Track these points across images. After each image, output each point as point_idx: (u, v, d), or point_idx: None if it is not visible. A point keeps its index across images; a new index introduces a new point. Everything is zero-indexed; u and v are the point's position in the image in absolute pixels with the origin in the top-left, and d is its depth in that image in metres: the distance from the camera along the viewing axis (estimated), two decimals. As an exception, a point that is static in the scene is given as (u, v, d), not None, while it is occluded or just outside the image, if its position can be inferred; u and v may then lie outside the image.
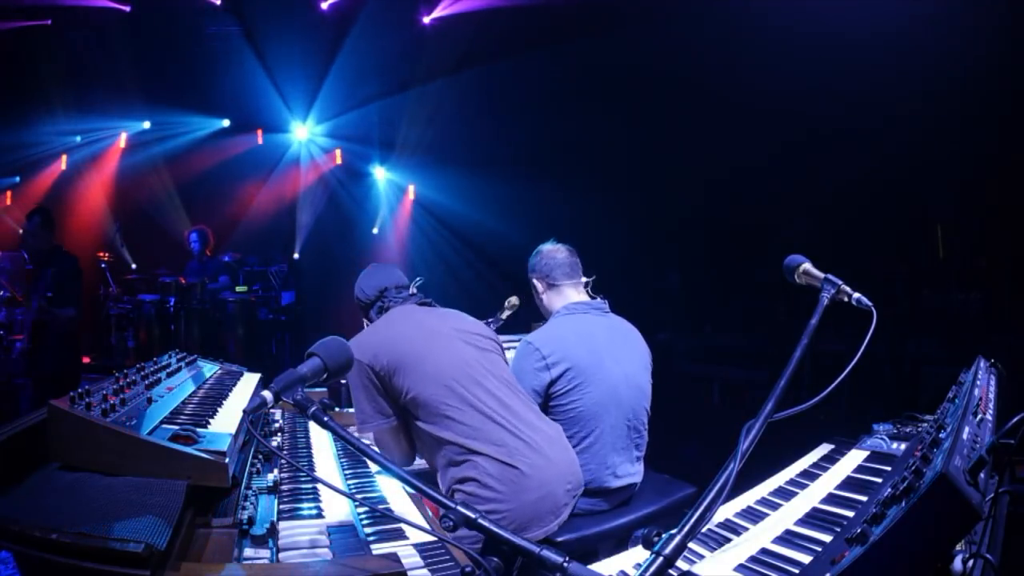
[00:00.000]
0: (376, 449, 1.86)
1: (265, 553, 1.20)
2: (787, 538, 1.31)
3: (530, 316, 2.89)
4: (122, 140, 8.18)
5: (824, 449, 1.89)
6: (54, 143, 7.84)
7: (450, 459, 1.99)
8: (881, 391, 5.39)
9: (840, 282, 1.41)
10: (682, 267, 7.71)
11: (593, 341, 2.40)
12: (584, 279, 2.57)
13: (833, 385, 1.26)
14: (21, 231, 5.13)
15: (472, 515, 0.92)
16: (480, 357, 2.15)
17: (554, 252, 2.58)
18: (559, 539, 2.16)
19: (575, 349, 2.35)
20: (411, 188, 8.86)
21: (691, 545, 1.26)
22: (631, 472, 2.43)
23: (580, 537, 2.21)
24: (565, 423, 2.35)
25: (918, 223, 6.03)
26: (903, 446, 1.74)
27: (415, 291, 2.35)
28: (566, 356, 2.34)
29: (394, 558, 1.12)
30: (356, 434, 1.91)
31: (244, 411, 1.07)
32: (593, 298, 2.56)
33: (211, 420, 1.52)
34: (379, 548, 1.32)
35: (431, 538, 1.36)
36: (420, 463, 2.34)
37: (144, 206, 8.01)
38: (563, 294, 2.54)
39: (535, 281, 2.60)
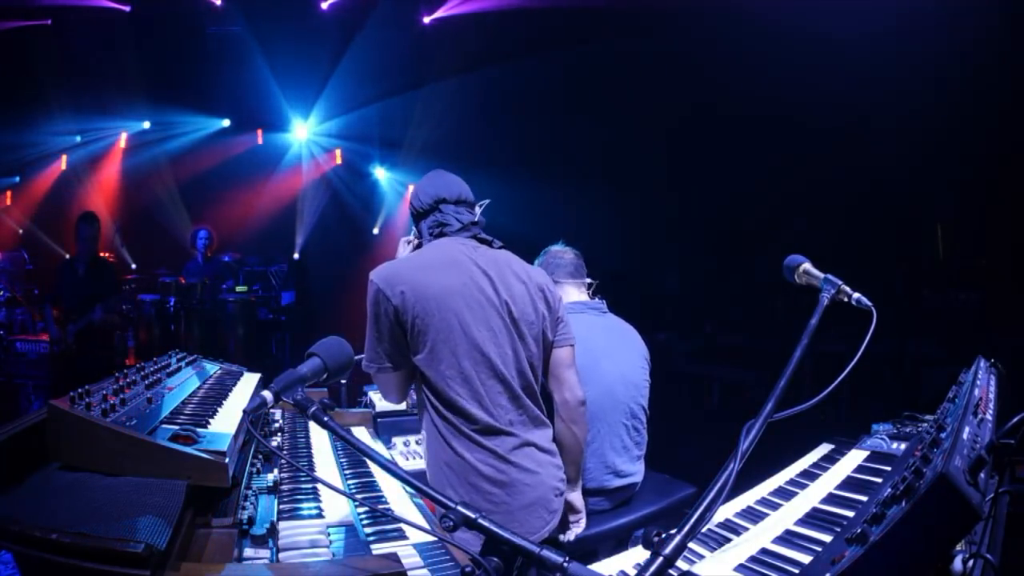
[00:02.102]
0: (377, 449, 1.88)
1: (265, 553, 1.20)
2: (787, 538, 1.31)
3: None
4: (122, 140, 8.19)
5: (824, 449, 1.89)
6: (54, 143, 7.85)
7: (440, 440, 1.84)
8: (881, 391, 5.39)
9: (840, 282, 1.41)
10: (682, 267, 7.71)
11: (589, 341, 2.40)
12: (587, 280, 2.59)
13: (833, 385, 1.26)
14: (79, 238, 5.11)
15: (472, 515, 0.92)
16: (516, 347, 1.86)
17: (560, 253, 2.60)
18: (559, 539, 2.16)
19: None
20: (412, 188, 8.85)
21: (691, 545, 1.26)
22: (631, 471, 2.43)
23: (580, 537, 2.21)
24: None
25: (918, 223, 6.03)
26: (903, 446, 1.74)
27: (478, 218, 1.99)
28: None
29: (394, 558, 1.12)
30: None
31: (244, 411, 1.07)
32: (592, 299, 2.57)
33: (211, 420, 1.51)
34: (379, 548, 1.32)
35: (431, 538, 1.36)
36: (420, 465, 2.34)
37: (144, 206, 8.02)
38: (565, 292, 2.55)
39: None
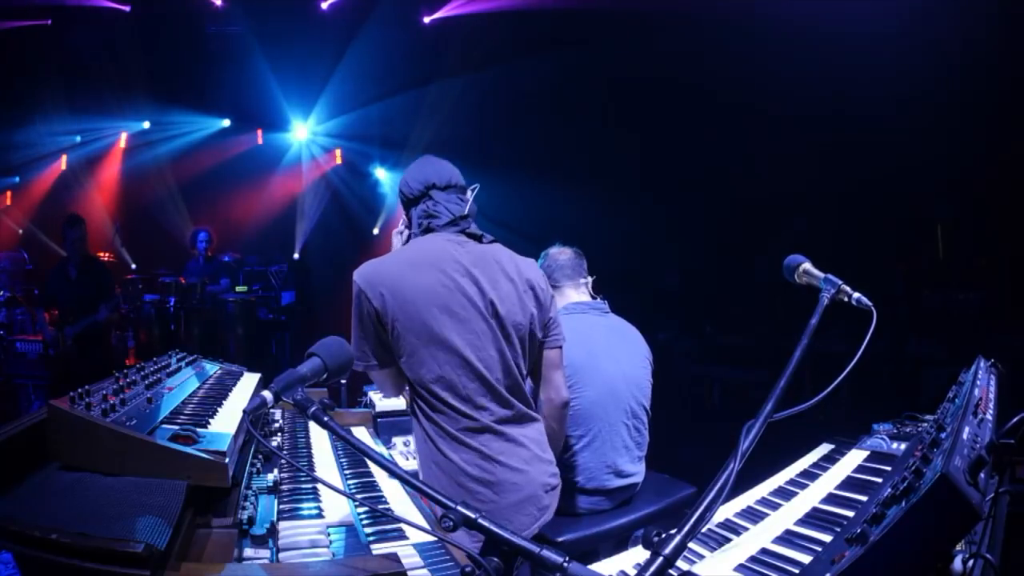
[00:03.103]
0: (377, 449, 1.88)
1: (265, 553, 1.20)
2: (787, 538, 1.31)
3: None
4: (122, 140, 8.19)
5: (824, 449, 1.89)
6: (54, 143, 7.85)
7: (428, 441, 1.84)
8: (881, 391, 5.39)
9: (840, 282, 1.41)
10: (682, 267, 7.71)
11: (590, 341, 2.40)
12: (585, 279, 2.58)
13: (833, 385, 1.26)
14: (66, 241, 5.11)
15: (472, 515, 0.92)
16: (501, 348, 1.81)
17: (558, 254, 2.59)
18: (559, 539, 2.16)
19: (572, 349, 2.35)
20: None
21: (691, 545, 1.26)
22: (632, 472, 2.43)
23: (580, 537, 2.21)
24: None
25: (918, 223, 6.03)
26: (903, 446, 1.74)
27: (469, 207, 1.93)
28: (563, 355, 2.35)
29: (394, 558, 1.12)
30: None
31: (244, 411, 1.06)
32: (594, 298, 2.57)
33: (211, 420, 1.51)
34: (379, 548, 1.32)
35: (431, 538, 1.36)
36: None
37: (144, 206, 8.02)
38: (564, 294, 2.55)
39: None
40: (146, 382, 1.67)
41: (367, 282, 1.77)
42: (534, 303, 1.90)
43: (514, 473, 1.81)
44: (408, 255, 1.86)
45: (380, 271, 1.80)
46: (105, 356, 5.26)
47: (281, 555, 1.22)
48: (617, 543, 2.32)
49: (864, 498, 1.42)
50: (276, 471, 1.59)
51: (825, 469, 1.70)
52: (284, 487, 1.59)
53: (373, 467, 1.86)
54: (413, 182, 1.93)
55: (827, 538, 1.25)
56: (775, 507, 1.48)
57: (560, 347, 1.99)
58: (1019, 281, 5.07)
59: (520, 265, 1.92)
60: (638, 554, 1.32)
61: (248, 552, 1.19)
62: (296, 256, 8.61)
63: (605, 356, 2.41)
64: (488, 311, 1.81)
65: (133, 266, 7.73)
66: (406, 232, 2.04)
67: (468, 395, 1.79)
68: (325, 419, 1.04)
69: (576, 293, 2.56)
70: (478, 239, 1.91)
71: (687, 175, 6.77)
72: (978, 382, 1.59)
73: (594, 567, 1.11)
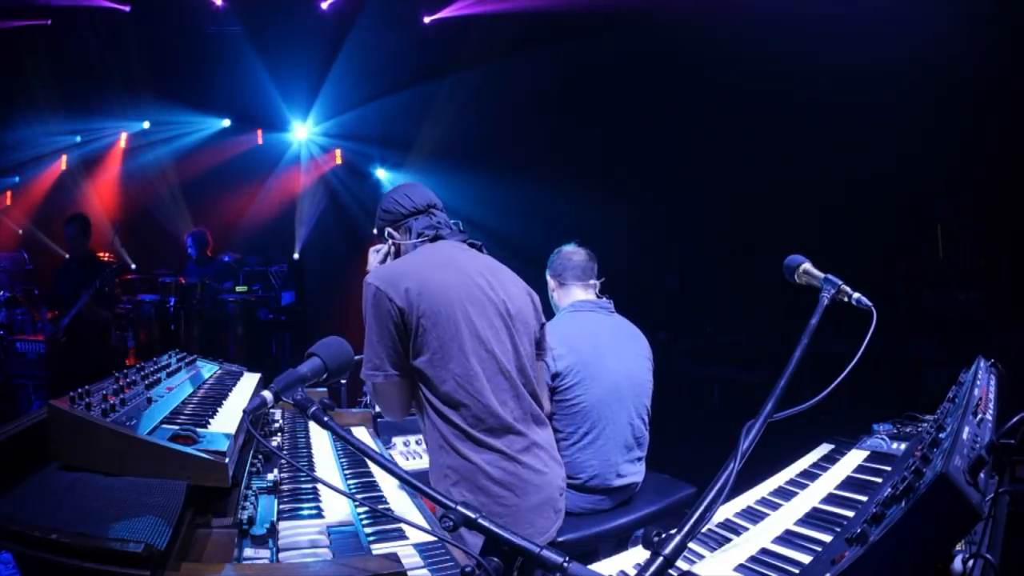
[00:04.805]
0: (375, 448, 1.88)
1: (265, 553, 1.20)
2: (787, 538, 1.31)
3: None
4: (122, 140, 8.19)
5: (824, 449, 1.89)
6: (53, 143, 7.85)
7: (445, 446, 1.81)
8: (881, 391, 5.38)
9: (840, 282, 1.41)
10: (682, 268, 7.71)
11: (597, 339, 2.42)
12: (595, 281, 2.61)
13: (833, 385, 1.26)
14: (64, 238, 5.20)
15: (472, 515, 0.92)
16: (516, 344, 1.86)
17: (571, 253, 2.62)
18: (559, 539, 2.16)
19: (579, 345, 2.38)
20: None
21: (691, 545, 1.26)
22: (632, 471, 2.44)
23: (580, 537, 2.21)
24: (568, 418, 2.37)
25: (918, 223, 6.03)
26: (903, 446, 1.74)
27: (460, 226, 2.04)
28: (571, 350, 2.36)
29: (394, 558, 1.12)
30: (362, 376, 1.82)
31: (244, 411, 1.07)
32: (600, 298, 2.59)
33: (211, 420, 1.51)
34: (379, 548, 1.32)
35: (431, 538, 1.36)
36: (420, 465, 2.35)
37: (144, 206, 8.02)
38: (571, 293, 2.58)
39: (549, 278, 2.66)
40: (146, 382, 1.67)
41: (387, 282, 1.75)
42: (533, 311, 1.98)
43: (535, 475, 1.82)
44: (422, 256, 1.90)
45: (399, 270, 1.82)
46: (104, 356, 5.25)
47: (281, 555, 1.22)
48: (617, 543, 2.33)
49: (864, 498, 1.42)
50: (276, 471, 1.59)
51: (825, 469, 1.70)
52: (284, 487, 1.59)
53: (373, 467, 1.86)
54: (416, 198, 2.00)
55: (827, 538, 1.26)
56: (775, 507, 1.48)
57: (545, 361, 2.06)
58: (1019, 281, 5.07)
59: (517, 277, 2.03)
60: (638, 554, 1.32)
61: (248, 552, 1.19)
62: (296, 256, 8.60)
63: (611, 355, 2.43)
64: (503, 308, 1.87)
65: (133, 266, 7.73)
66: (384, 249, 2.05)
67: (494, 389, 1.79)
68: (325, 419, 1.04)
69: (583, 292, 2.58)
70: (479, 249, 2.02)
71: (688, 175, 6.77)
72: (978, 382, 1.59)
73: (594, 567, 1.11)
